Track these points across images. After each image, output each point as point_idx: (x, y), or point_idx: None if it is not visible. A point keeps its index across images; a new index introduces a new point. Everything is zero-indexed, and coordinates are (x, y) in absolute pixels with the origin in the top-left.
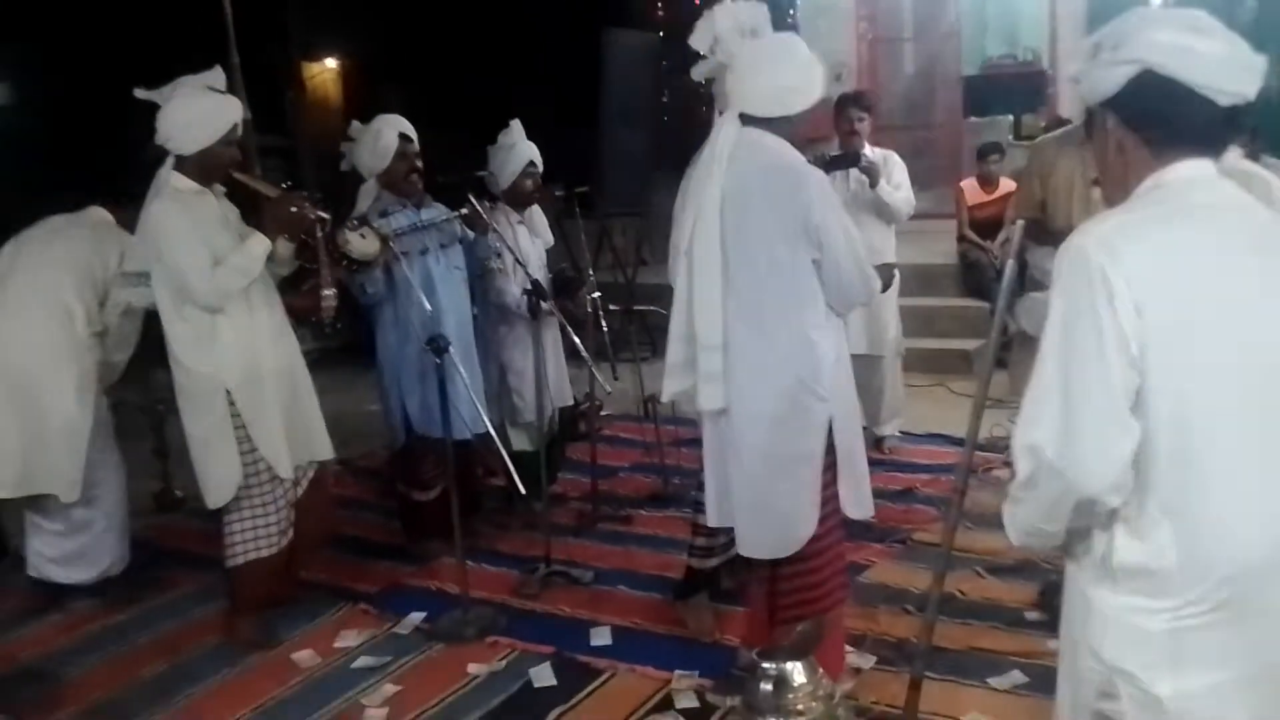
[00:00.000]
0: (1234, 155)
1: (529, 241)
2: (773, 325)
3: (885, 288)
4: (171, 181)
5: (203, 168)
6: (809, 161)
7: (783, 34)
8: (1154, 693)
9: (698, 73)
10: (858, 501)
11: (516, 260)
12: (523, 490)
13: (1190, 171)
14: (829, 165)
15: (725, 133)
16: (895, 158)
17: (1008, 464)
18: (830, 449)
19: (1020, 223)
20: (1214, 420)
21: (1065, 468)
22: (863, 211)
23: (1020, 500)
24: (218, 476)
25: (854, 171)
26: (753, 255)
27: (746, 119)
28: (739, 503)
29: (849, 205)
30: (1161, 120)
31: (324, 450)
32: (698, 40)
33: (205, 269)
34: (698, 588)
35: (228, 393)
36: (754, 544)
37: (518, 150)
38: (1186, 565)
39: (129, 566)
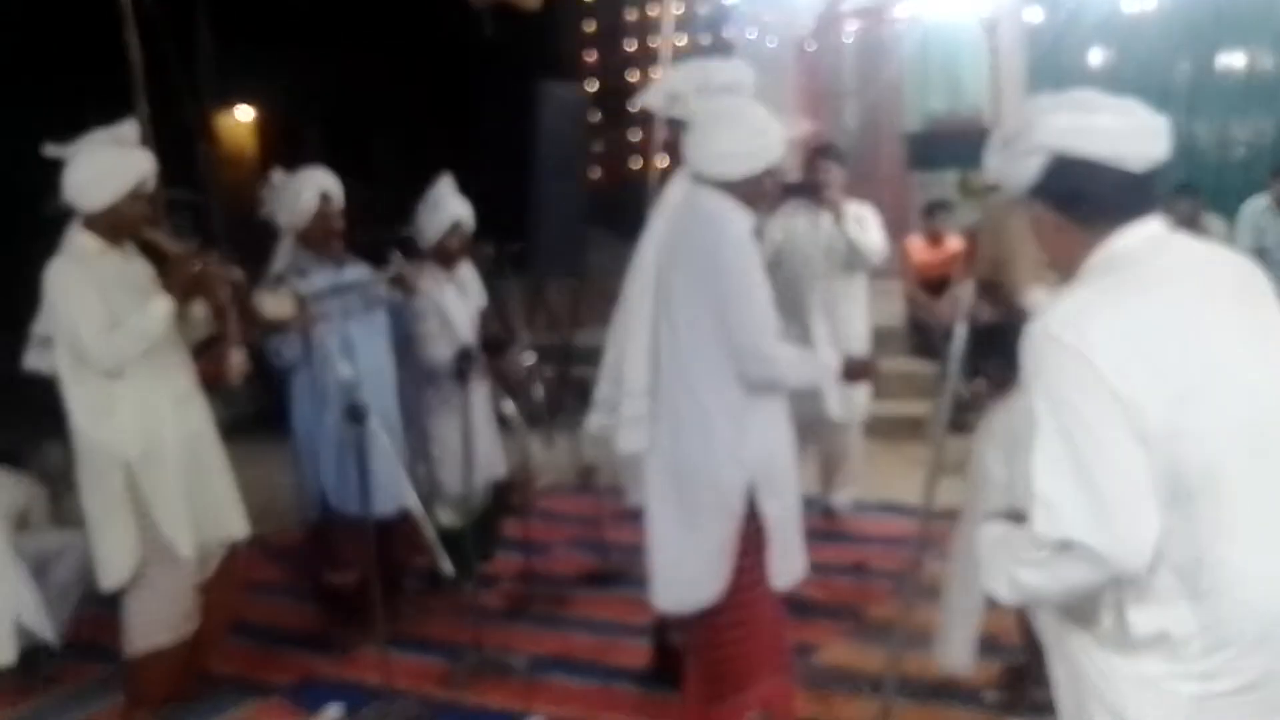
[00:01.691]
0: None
1: (458, 301)
2: (695, 379)
3: (861, 376)
4: (75, 240)
5: (110, 225)
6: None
7: (742, 99)
8: None
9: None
10: (781, 573)
11: (444, 322)
12: (450, 571)
13: (1138, 236)
14: (786, 191)
15: (676, 188)
16: (868, 211)
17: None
18: (754, 515)
19: (969, 283)
20: (1214, 481)
21: (1108, 553)
22: (835, 265)
23: (1034, 569)
24: (113, 555)
25: (827, 224)
26: (678, 307)
27: (698, 177)
28: (655, 552)
29: (824, 255)
30: (1083, 197)
31: (237, 528)
32: (652, 98)
33: (100, 331)
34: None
35: (127, 465)
36: (665, 596)
37: (445, 207)
38: (1207, 630)
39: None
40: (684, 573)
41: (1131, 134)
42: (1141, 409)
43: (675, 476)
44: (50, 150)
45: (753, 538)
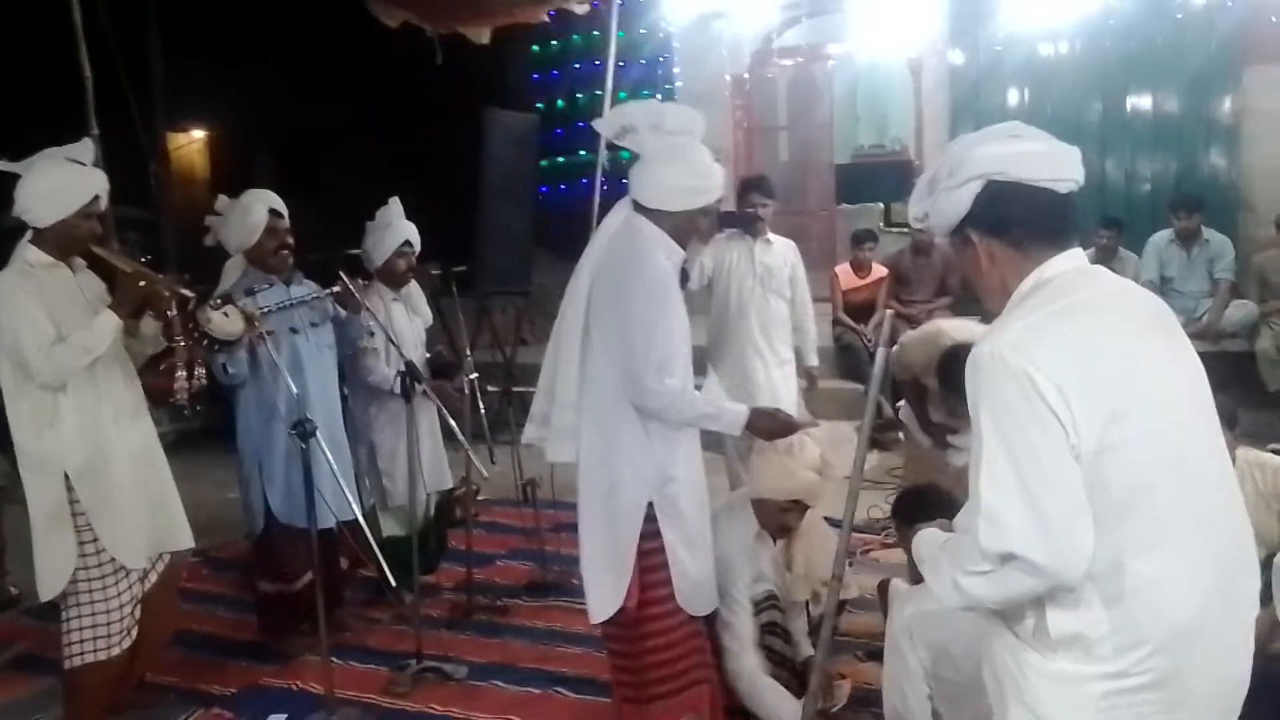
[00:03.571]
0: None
1: (405, 320)
2: (606, 397)
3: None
4: (24, 254)
5: (60, 240)
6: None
7: (693, 140)
8: None
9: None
10: (688, 598)
11: (390, 340)
12: (392, 581)
13: (1065, 264)
14: (722, 220)
15: (615, 214)
16: (796, 251)
17: (886, 545)
18: (659, 535)
19: (889, 312)
20: (1136, 496)
21: (1051, 568)
22: (768, 291)
23: (978, 579)
24: (50, 565)
25: (760, 253)
26: (602, 329)
27: (638, 206)
28: (583, 561)
29: (759, 282)
30: (1017, 220)
31: (183, 539)
32: (605, 126)
33: (43, 345)
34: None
35: (66, 477)
36: (592, 604)
37: (393, 229)
38: (1120, 632)
39: None
40: (590, 580)
41: (1056, 157)
42: (1078, 428)
43: (594, 489)
44: (1, 165)
45: (659, 556)
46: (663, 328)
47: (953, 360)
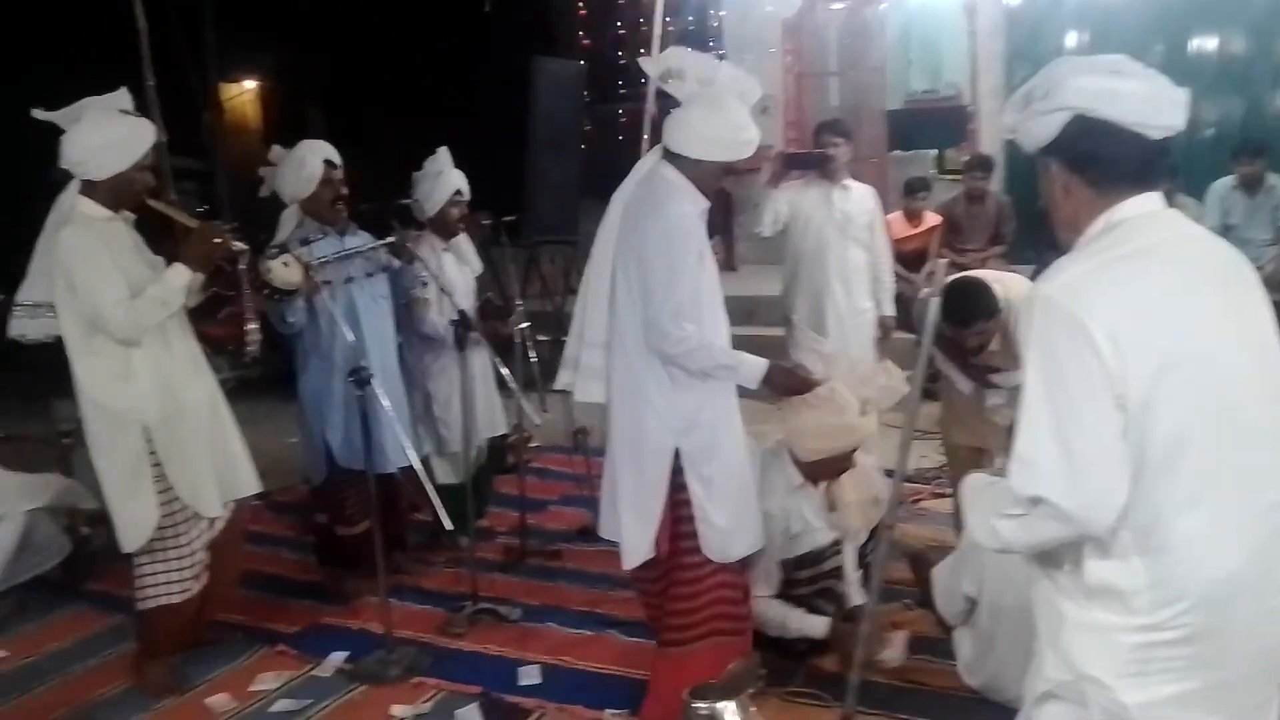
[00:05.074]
0: None
1: (456, 270)
2: (636, 341)
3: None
4: (79, 207)
5: (115, 193)
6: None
7: (732, 96)
8: (1122, 700)
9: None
10: (713, 546)
11: (442, 289)
12: (449, 525)
13: (1138, 208)
14: (789, 162)
15: (646, 159)
16: (876, 198)
17: (936, 495)
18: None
19: (942, 261)
20: (1179, 449)
21: (1077, 514)
22: (848, 239)
23: (1010, 522)
24: (134, 518)
25: (838, 198)
26: (626, 273)
27: (668, 153)
28: (615, 504)
29: (838, 230)
30: (1100, 160)
31: (249, 486)
32: (653, 66)
33: (123, 300)
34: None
35: (146, 429)
36: (625, 550)
37: (445, 178)
38: (1157, 586)
39: (33, 607)
40: (633, 528)
41: (1156, 102)
42: (1125, 379)
43: (622, 434)
44: (40, 114)
45: (690, 506)
46: (682, 273)
47: (956, 292)
